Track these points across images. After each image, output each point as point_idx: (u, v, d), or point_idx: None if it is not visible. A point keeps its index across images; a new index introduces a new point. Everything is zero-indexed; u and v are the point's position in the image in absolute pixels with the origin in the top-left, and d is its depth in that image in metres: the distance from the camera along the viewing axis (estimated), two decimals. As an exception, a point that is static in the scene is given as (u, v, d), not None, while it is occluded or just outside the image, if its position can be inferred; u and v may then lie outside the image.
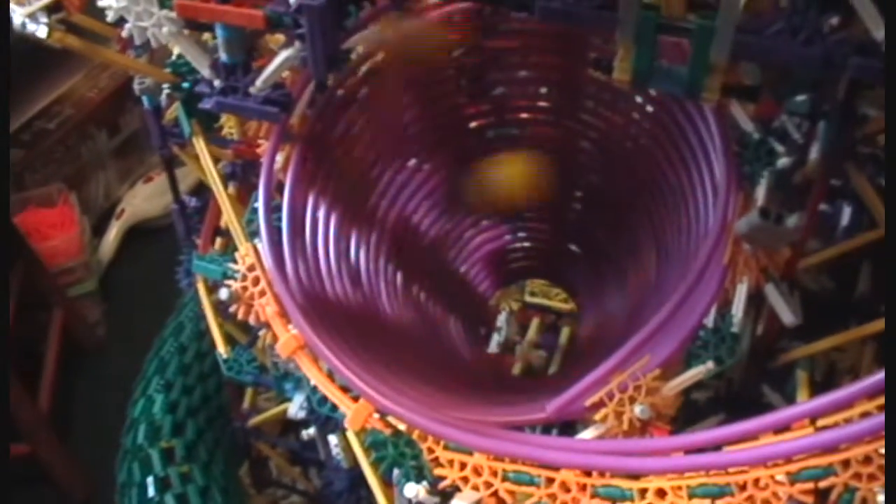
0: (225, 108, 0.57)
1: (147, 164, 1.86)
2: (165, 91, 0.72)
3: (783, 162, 0.59)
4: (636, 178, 0.74)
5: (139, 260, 1.68)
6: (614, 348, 0.50)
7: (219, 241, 0.83)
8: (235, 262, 0.56)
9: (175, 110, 0.73)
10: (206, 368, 1.04)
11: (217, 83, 0.57)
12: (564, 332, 0.97)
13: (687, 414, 0.59)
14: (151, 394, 0.98)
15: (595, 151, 0.80)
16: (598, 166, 0.81)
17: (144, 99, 0.75)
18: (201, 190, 0.88)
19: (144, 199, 1.76)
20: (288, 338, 0.52)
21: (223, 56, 0.57)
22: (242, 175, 0.82)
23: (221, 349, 0.75)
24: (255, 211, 0.59)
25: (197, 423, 0.97)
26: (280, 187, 0.60)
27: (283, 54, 0.55)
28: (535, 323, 1.05)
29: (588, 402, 0.47)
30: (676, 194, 0.66)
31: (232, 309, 0.55)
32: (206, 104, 0.57)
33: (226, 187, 0.67)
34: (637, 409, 0.46)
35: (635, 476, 0.42)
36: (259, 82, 0.56)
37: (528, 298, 1.09)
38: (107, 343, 1.55)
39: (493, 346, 1.04)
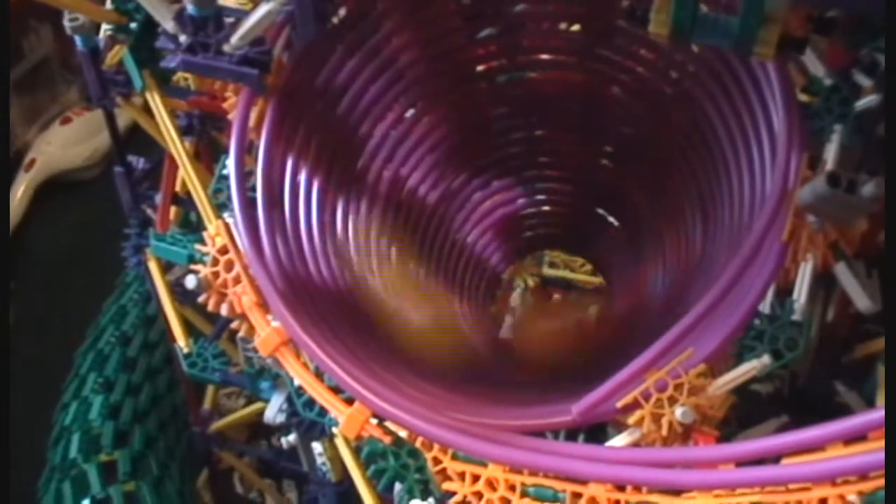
0: (193, 69, 0.58)
1: (62, 102, 1.77)
2: (106, 32, 0.74)
3: (868, 101, 0.60)
4: (677, 131, 0.76)
5: (56, 224, 1.58)
6: (651, 336, 0.52)
7: (173, 210, 0.85)
8: (203, 242, 0.58)
9: (118, 54, 0.74)
10: (156, 362, 1.06)
11: (182, 38, 0.58)
12: (592, 313, 1.00)
13: (743, 412, 0.61)
14: (87, 395, 0.99)
15: (628, 98, 0.82)
16: (632, 116, 0.83)
17: (78, 39, 0.76)
18: (138, 136, 0.89)
19: (61, 145, 1.66)
20: (269, 332, 0.54)
21: (189, 7, 0.58)
22: (201, 128, 0.85)
23: (181, 342, 0.78)
24: (223, 179, 0.61)
25: (145, 429, 0.99)
26: (252, 149, 0.62)
27: (264, 6, 0.56)
28: (555, 300, 1.08)
29: (620, 404, 0.49)
30: (726, 152, 0.68)
31: (201, 299, 0.57)
32: (170, 63, 0.58)
33: (185, 147, 0.69)
34: (678, 411, 0.48)
35: (676, 492, 0.44)
36: (234, 39, 0.57)
37: (546, 271, 1.12)
38: (14, 331, 1.47)
39: (507, 331, 1.07)
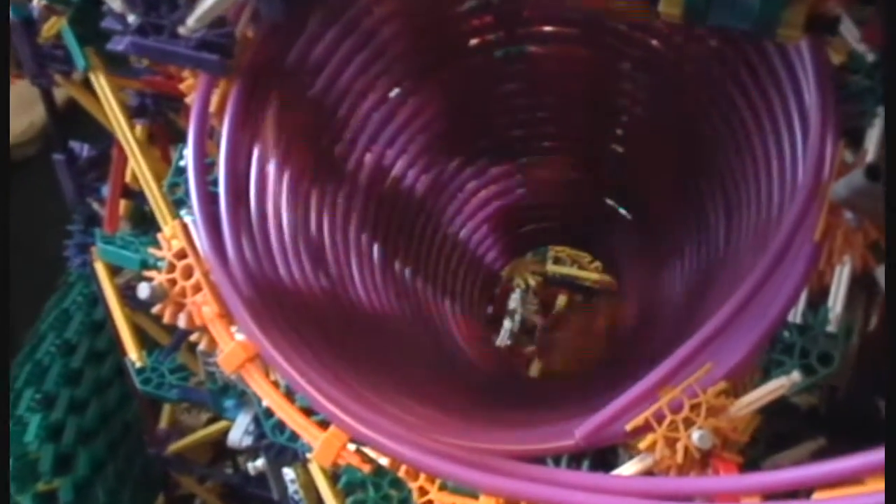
0: (145, 53, 0.58)
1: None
2: (41, 0, 0.74)
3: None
4: (697, 114, 0.77)
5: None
6: (665, 348, 0.53)
7: (123, 204, 0.85)
8: (158, 245, 0.58)
9: (55, 26, 0.74)
10: (105, 373, 1.06)
11: (132, 19, 0.58)
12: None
13: (773, 429, 0.62)
14: (22, 414, 0.99)
15: (641, 76, 0.83)
16: (646, 96, 0.84)
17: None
18: (82, 114, 0.90)
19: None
20: (233, 347, 0.54)
21: (140, -17, 0.58)
22: (155, 109, 0.85)
23: (133, 355, 0.78)
24: (181, 172, 0.61)
25: (92, 452, 0.99)
26: (214, 136, 0.62)
27: (225, -16, 0.56)
28: (560, 301, 1.09)
29: (630, 426, 0.50)
30: (752, 137, 0.68)
31: (156, 309, 0.57)
32: (117, 45, 0.58)
33: (134, 133, 0.69)
34: (695, 435, 0.48)
35: (693, 528, 0.44)
36: (191, 20, 0.57)
37: (551, 268, 1.13)
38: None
39: (504, 337, 1.07)
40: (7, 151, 1.43)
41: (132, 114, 0.83)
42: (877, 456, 0.40)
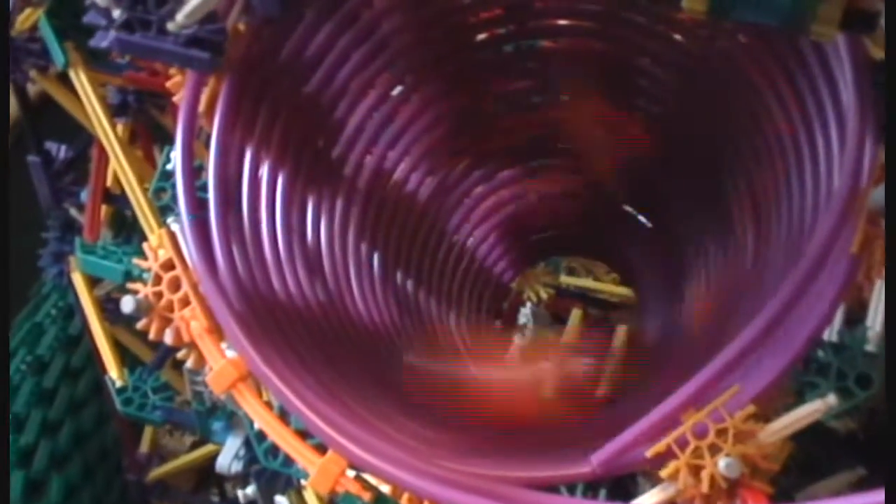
0: (131, 50, 0.58)
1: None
2: (14, -9, 0.74)
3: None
4: (723, 113, 0.77)
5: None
6: (689, 367, 0.53)
7: (104, 210, 0.85)
8: (143, 255, 0.58)
9: (31, 18, 0.75)
10: (81, 393, 1.07)
11: (117, 13, 0.57)
12: (619, 334, 1.01)
13: (806, 453, 0.62)
14: None
15: (662, 72, 0.83)
16: (667, 94, 0.84)
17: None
18: (58, 111, 0.89)
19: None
20: (224, 365, 0.54)
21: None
22: (138, 107, 0.85)
23: (114, 373, 0.78)
24: (167, 176, 0.61)
25: (65, 478, 0.99)
26: (203, 139, 0.62)
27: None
28: (574, 315, 1.08)
29: (650, 453, 0.49)
30: (783, 138, 0.68)
31: (141, 325, 0.58)
32: (101, 42, 0.58)
33: (116, 133, 0.69)
34: (722, 462, 0.48)
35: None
36: (180, 16, 0.56)
37: (564, 280, 1.13)
38: None
39: (515, 354, 1.07)
40: (7, 152, 1.43)
41: (113, 112, 0.83)
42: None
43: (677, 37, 0.80)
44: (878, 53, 0.60)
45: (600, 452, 0.51)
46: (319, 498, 0.67)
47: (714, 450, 0.48)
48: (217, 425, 0.71)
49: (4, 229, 0.66)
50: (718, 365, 0.51)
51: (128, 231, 0.94)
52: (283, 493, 0.72)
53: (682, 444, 0.49)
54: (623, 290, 1.13)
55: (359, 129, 0.79)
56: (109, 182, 0.89)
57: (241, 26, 0.64)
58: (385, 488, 0.53)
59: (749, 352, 0.51)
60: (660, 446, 0.49)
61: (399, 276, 0.88)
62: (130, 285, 0.59)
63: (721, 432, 0.48)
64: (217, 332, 0.56)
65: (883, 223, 0.55)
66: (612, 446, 0.51)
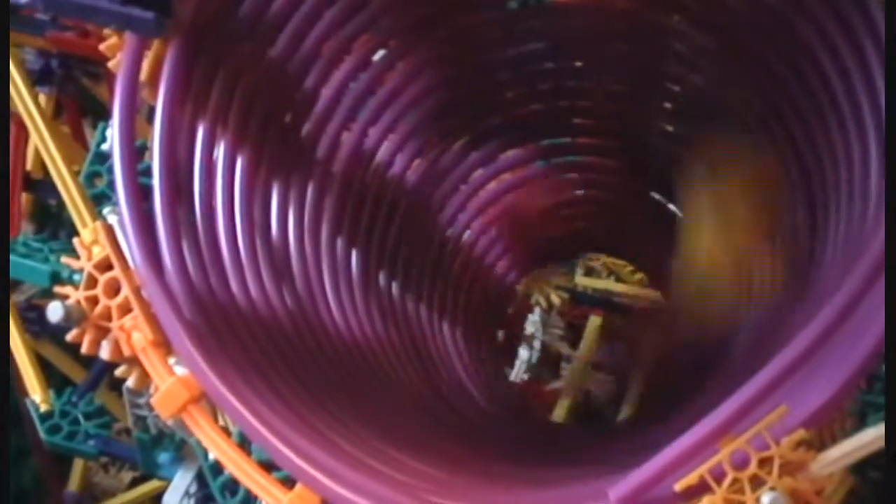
0: (59, 8, 0.58)
1: None
2: None
3: None
4: (770, 85, 0.77)
5: None
6: (728, 384, 0.54)
7: (24, 198, 0.85)
8: (74, 253, 0.58)
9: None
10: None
11: None
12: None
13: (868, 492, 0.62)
14: None
15: (697, 34, 0.83)
16: (704, 60, 0.85)
17: None
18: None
19: None
20: (172, 384, 0.54)
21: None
22: (65, 74, 0.85)
23: (36, 395, 0.78)
24: (102, 158, 0.61)
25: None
26: (146, 113, 0.62)
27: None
28: (592, 324, 1.09)
29: (680, 486, 0.49)
30: (842, 109, 0.68)
31: (71, 336, 0.57)
32: None
33: (38, 105, 0.69)
34: (766, 498, 0.48)
35: None
36: None
37: (580, 281, 1.13)
38: None
39: (520, 371, 1.07)
40: (7, 151, 1.45)
41: (34, 80, 0.83)
42: None
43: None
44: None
45: (620, 485, 0.51)
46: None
47: (756, 483, 0.48)
48: (164, 457, 0.71)
49: (4, 229, 0.67)
50: (762, 381, 0.50)
51: (54, 224, 0.94)
52: (244, 535, 0.73)
53: (719, 475, 0.49)
54: (651, 293, 1.13)
55: (333, 102, 0.79)
56: (30, 165, 0.89)
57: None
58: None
59: (799, 367, 0.51)
60: (691, 478, 0.49)
61: (382, 278, 0.88)
62: (58, 289, 0.58)
63: (765, 462, 0.48)
64: (164, 345, 0.56)
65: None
66: (634, 478, 0.51)
